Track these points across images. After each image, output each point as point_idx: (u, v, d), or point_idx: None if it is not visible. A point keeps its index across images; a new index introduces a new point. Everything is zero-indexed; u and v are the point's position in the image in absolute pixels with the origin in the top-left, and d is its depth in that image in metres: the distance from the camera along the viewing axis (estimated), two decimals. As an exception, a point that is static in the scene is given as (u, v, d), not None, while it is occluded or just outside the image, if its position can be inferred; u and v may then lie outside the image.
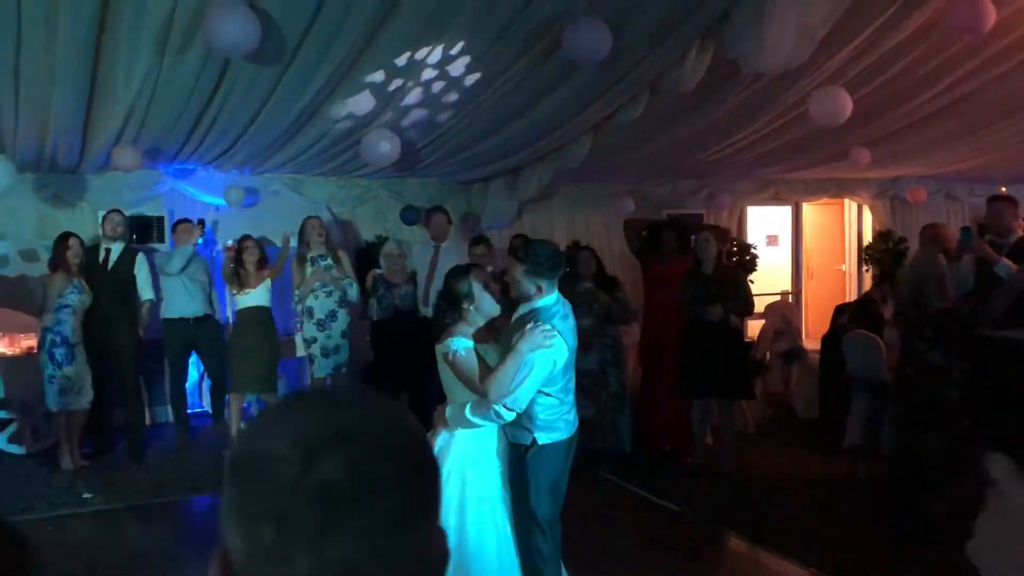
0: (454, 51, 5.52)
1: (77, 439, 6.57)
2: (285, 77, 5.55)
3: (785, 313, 8.90)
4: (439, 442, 3.63)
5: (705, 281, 6.34)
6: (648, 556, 5.02)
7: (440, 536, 0.85)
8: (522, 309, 3.69)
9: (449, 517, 3.51)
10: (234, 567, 0.82)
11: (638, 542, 5.34)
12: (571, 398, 3.78)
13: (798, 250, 11.68)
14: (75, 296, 6.34)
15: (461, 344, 3.57)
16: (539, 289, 3.63)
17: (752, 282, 7.40)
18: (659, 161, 8.68)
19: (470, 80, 5.96)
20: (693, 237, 6.84)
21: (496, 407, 3.47)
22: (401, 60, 5.57)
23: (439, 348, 3.65)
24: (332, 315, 6.93)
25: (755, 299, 7.09)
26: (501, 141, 7.33)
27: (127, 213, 7.29)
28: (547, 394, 3.62)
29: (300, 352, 7.19)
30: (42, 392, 6.67)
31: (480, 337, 3.66)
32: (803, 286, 11.62)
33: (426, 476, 0.85)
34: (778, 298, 10.04)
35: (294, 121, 6.42)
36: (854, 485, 6.12)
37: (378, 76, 5.79)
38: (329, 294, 6.91)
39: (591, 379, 6.49)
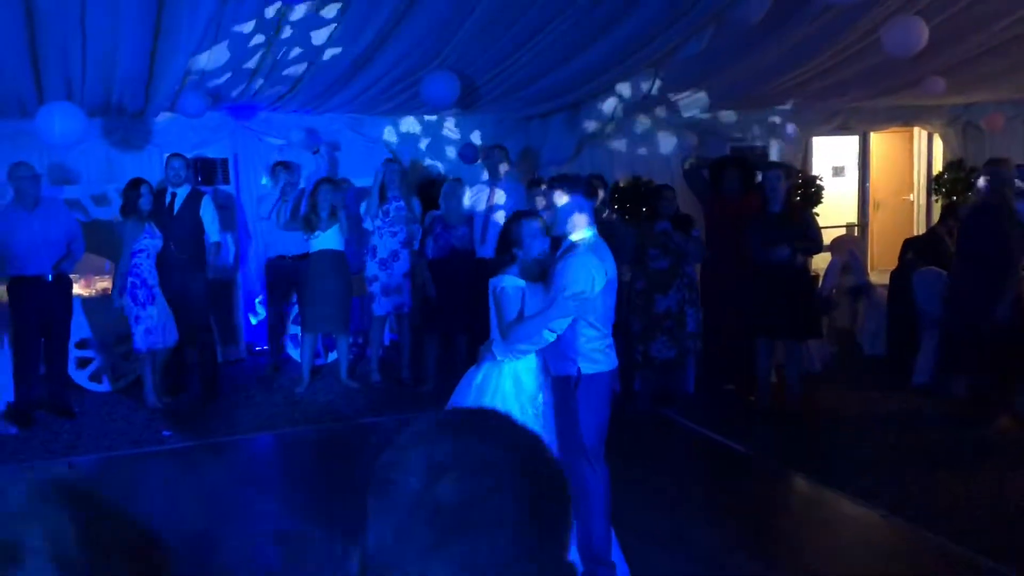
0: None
1: (160, 378, 6.80)
2: (346, 15, 5.51)
3: (852, 247, 8.71)
4: (484, 372, 3.86)
5: (773, 220, 6.21)
6: (712, 498, 5.05)
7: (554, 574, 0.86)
8: (562, 247, 3.82)
9: None
10: (367, 561, 0.88)
11: (702, 483, 5.38)
12: (611, 332, 3.88)
13: (865, 181, 11.36)
14: (148, 240, 6.48)
15: (510, 282, 3.81)
16: (575, 223, 3.77)
17: (817, 215, 7.22)
18: (723, 94, 8.46)
19: (533, 13, 5.84)
20: (760, 174, 6.69)
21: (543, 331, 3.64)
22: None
23: (492, 281, 3.89)
24: (395, 255, 6.99)
25: (821, 232, 6.93)
26: (563, 76, 7.20)
27: (192, 156, 7.39)
28: (588, 323, 3.71)
29: (365, 290, 7.32)
30: (119, 332, 6.92)
31: (530, 276, 3.85)
32: (869, 218, 11.34)
33: (546, 516, 0.86)
34: (843, 231, 9.83)
35: (354, 60, 6.39)
36: (923, 424, 6.06)
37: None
38: (394, 234, 6.97)
39: (673, 319, 6.47)
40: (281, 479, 5.77)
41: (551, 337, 3.67)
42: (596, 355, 3.76)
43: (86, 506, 0.83)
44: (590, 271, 3.66)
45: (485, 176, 7.47)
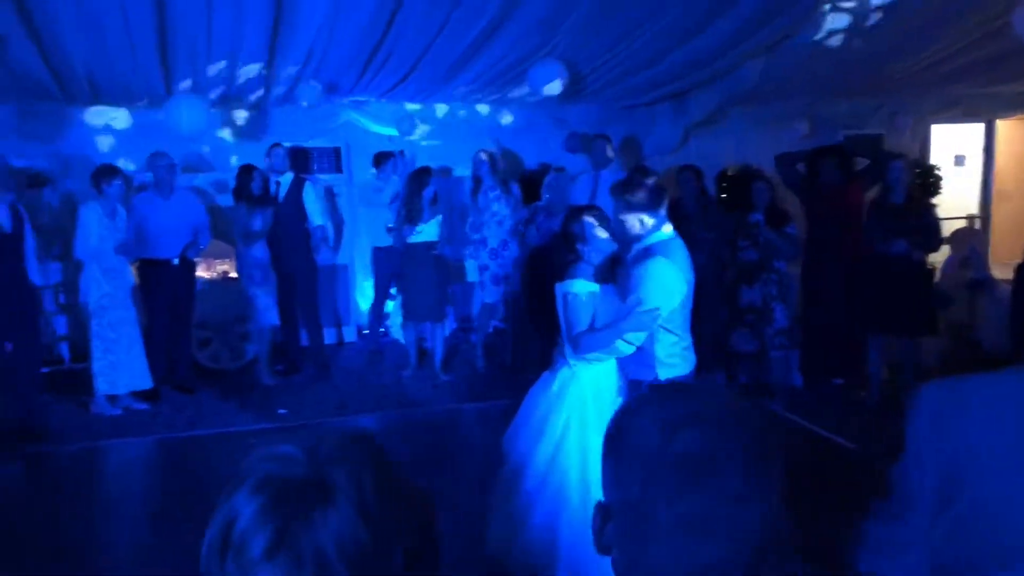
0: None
1: (273, 359, 7.09)
2: (460, 4, 5.60)
3: (972, 240, 8.34)
4: (560, 378, 3.68)
5: (894, 212, 6.00)
6: (818, 495, 4.94)
7: (777, 516, 1.00)
8: (635, 250, 3.63)
9: (571, 457, 3.59)
10: (611, 515, 1.05)
11: (807, 479, 5.27)
12: (689, 335, 3.72)
13: (988, 171, 10.82)
14: (260, 223, 6.76)
15: (582, 287, 3.58)
16: (644, 224, 3.57)
17: (935, 206, 6.93)
18: (836, 80, 8.20)
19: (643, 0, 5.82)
20: (884, 163, 6.44)
21: (618, 341, 3.50)
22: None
23: (559, 286, 3.67)
24: (504, 244, 7.09)
25: (940, 223, 6.65)
26: (671, 64, 7.12)
27: (302, 145, 7.68)
28: (667, 330, 3.58)
29: (471, 278, 7.43)
30: (236, 313, 7.26)
31: (602, 277, 3.65)
32: (991, 210, 10.80)
33: (766, 460, 1.01)
34: (963, 223, 9.41)
35: (464, 50, 6.48)
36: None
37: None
38: (501, 223, 7.06)
39: (756, 313, 6.37)
40: (393, 458, 5.93)
41: (628, 350, 3.54)
42: (674, 360, 3.65)
43: (380, 459, 0.93)
44: (668, 284, 3.50)
45: (589, 165, 7.48)
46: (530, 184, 7.68)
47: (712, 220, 6.82)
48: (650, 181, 3.68)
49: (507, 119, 8.64)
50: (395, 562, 0.86)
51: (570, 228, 3.69)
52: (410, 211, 6.86)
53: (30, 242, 5.93)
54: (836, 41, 6.73)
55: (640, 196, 3.57)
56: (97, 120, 7.58)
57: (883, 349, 6.29)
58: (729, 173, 8.36)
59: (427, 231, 6.91)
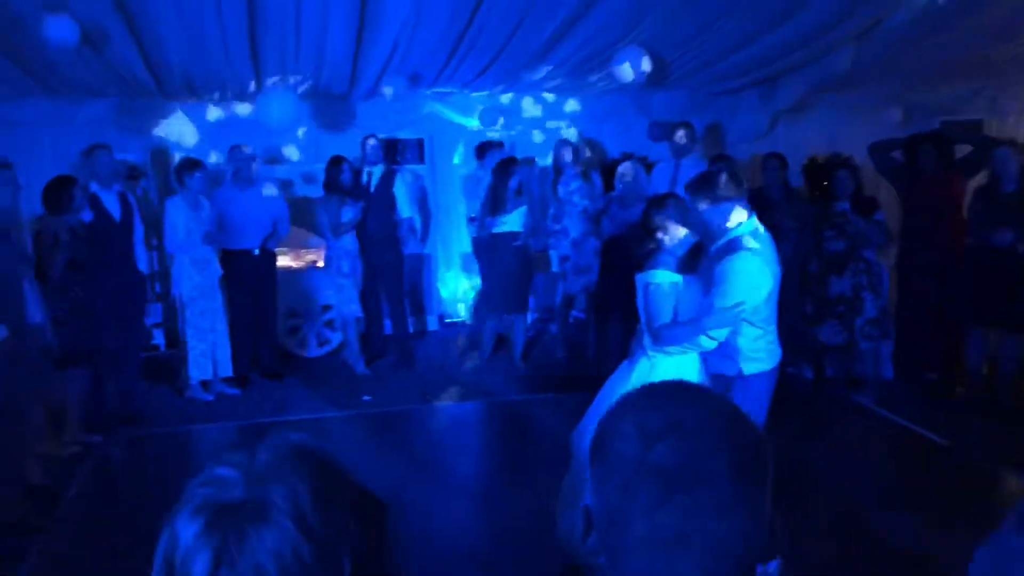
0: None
1: (360, 346, 7.23)
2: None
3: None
4: (638, 369, 3.59)
5: (1002, 201, 5.75)
6: (911, 493, 4.80)
7: (762, 528, 0.96)
8: (719, 243, 3.56)
9: None
10: (593, 521, 1.02)
11: (899, 477, 5.14)
12: (774, 328, 3.66)
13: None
14: (349, 214, 6.89)
15: (664, 277, 3.51)
16: (727, 216, 3.51)
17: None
18: (932, 65, 7.89)
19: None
20: (988, 150, 6.18)
21: (701, 336, 3.42)
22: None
23: (640, 276, 3.61)
24: (585, 235, 7.06)
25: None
26: (758, 51, 6.97)
27: (389, 136, 7.78)
28: (751, 323, 3.52)
29: (553, 268, 7.44)
30: (323, 302, 7.44)
31: (683, 268, 3.58)
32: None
33: (752, 470, 0.96)
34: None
35: (548, 38, 6.47)
36: None
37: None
38: (583, 213, 7.04)
39: (845, 304, 6.20)
40: (475, 446, 6.02)
41: (711, 345, 3.47)
42: (758, 354, 3.61)
43: (320, 470, 0.92)
44: (754, 279, 3.43)
45: (670, 154, 7.39)
46: (612, 174, 7.62)
47: (796, 209, 6.66)
48: (729, 172, 3.63)
49: (590, 108, 8.60)
50: (343, 573, 0.86)
51: (651, 217, 3.63)
52: (494, 201, 6.88)
53: (138, 231, 6.17)
54: (932, 24, 6.47)
55: (721, 188, 3.51)
56: (190, 115, 7.84)
57: (982, 343, 6.06)
58: (819, 162, 8.14)
59: (511, 221, 6.93)
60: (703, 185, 3.60)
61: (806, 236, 6.49)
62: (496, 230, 6.94)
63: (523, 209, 6.92)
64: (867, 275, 6.26)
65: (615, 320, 7.02)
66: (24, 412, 4.74)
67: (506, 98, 8.39)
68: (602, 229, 6.91)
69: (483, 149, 7.73)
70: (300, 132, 7.97)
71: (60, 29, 5.15)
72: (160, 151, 7.88)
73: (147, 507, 4.68)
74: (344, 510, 0.89)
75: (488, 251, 7.11)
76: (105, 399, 5.93)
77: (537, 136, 8.60)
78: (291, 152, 8.19)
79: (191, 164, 6.50)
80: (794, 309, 6.18)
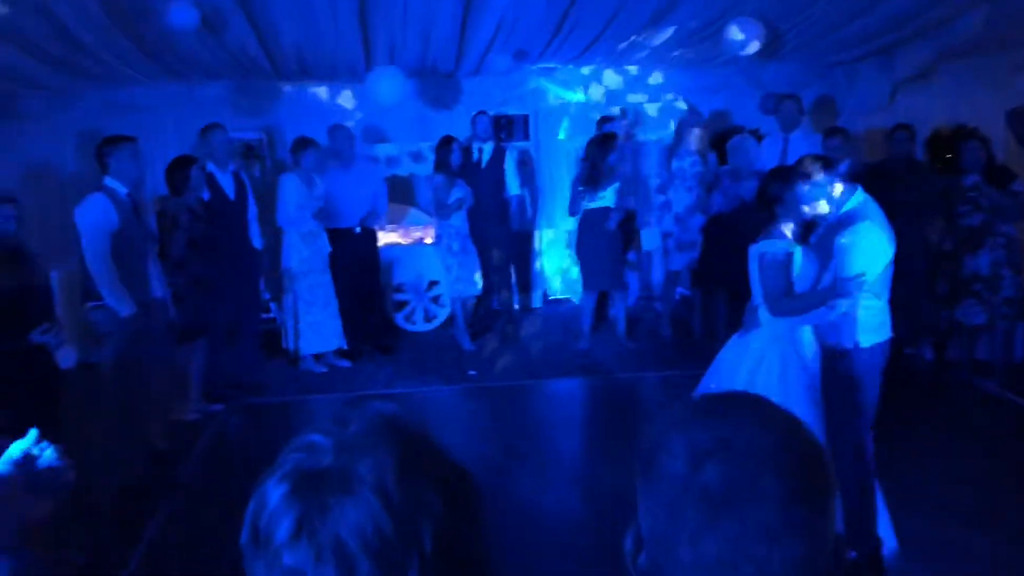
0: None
1: (467, 322, 7.32)
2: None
3: None
4: (752, 342, 3.65)
5: None
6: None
7: (823, 555, 0.89)
8: (834, 215, 3.54)
9: None
10: (643, 540, 0.96)
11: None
12: (888, 300, 3.57)
13: None
14: (459, 193, 6.95)
15: (779, 247, 3.56)
16: (836, 191, 3.50)
17: None
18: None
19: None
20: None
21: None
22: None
23: (755, 247, 3.63)
24: (690, 211, 6.92)
25: None
26: (876, 18, 6.65)
27: (495, 113, 7.78)
28: (869, 294, 3.46)
29: (647, 246, 7.31)
30: (430, 278, 7.54)
31: (798, 239, 3.62)
32: None
33: (810, 493, 0.89)
34: None
35: (656, 10, 6.34)
36: None
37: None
38: (689, 189, 6.90)
39: (983, 282, 5.88)
40: (577, 423, 6.03)
41: (831, 316, 3.46)
42: (874, 325, 3.52)
43: (408, 443, 0.91)
44: (875, 248, 3.41)
45: (778, 127, 7.15)
46: (723, 147, 7.44)
47: (924, 183, 6.34)
48: (843, 145, 3.65)
49: (699, 81, 8.40)
50: (424, 551, 0.84)
51: (769, 189, 3.67)
52: (592, 177, 6.76)
53: (252, 209, 6.39)
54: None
55: (835, 162, 3.58)
56: (302, 94, 8.04)
57: None
58: (944, 134, 7.72)
59: (606, 197, 6.85)
60: (817, 158, 3.61)
61: (935, 211, 6.18)
62: (590, 206, 6.84)
63: (616, 185, 6.81)
64: (1006, 250, 5.91)
65: (721, 298, 6.88)
66: (149, 381, 4.99)
67: (614, 71, 8.28)
68: (711, 204, 6.75)
69: (602, 124, 7.60)
70: (406, 110, 8.06)
71: (181, 13, 5.36)
72: (274, 130, 8.12)
73: (261, 473, 4.91)
74: (430, 485, 0.88)
75: (583, 227, 7.04)
76: (224, 370, 6.20)
77: (648, 110, 8.46)
78: (398, 130, 8.30)
79: (304, 143, 6.67)
80: (920, 287, 5.92)
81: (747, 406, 0.97)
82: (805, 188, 3.53)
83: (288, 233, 6.61)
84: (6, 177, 7.13)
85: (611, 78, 8.32)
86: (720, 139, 7.91)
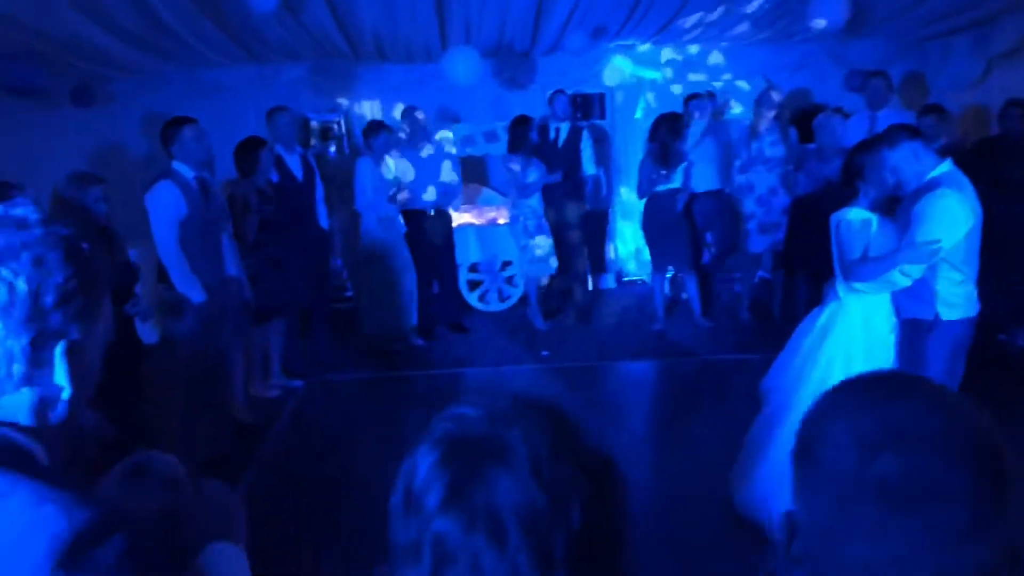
0: None
1: (540, 303, 7.31)
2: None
3: None
4: (828, 312, 3.64)
5: None
6: None
7: (1002, 562, 0.81)
8: (915, 185, 3.46)
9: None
10: (797, 529, 0.91)
11: None
12: (974, 275, 3.49)
13: None
14: (535, 174, 6.92)
15: (855, 215, 3.55)
16: (922, 160, 3.43)
17: None
18: None
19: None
20: None
21: (894, 272, 3.36)
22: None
23: (834, 216, 3.65)
24: (772, 191, 6.75)
25: None
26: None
27: (572, 92, 7.70)
28: (951, 265, 3.39)
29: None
30: (504, 259, 7.55)
31: (880, 208, 3.58)
32: None
33: (995, 485, 0.81)
34: None
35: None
36: None
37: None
38: (770, 170, 6.72)
39: None
40: (650, 405, 5.98)
41: (905, 282, 3.39)
42: (957, 299, 3.45)
43: (557, 423, 0.91)
44: (953, 215, 3.31)
45: (865, 104, 6.90)
46: (806, 126, 7.22)
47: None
48: (933, 120, 3.54)
49: (781, 58, 8.17)
50: (571, 528, 0.84)
51: (853, 161, 3.65)
52: (662, 157, 6.64)
53: (319, 190, 6.47)
54: None
55: (923, 135, 3.51)
56: (378, 75, 8.09)
57: None
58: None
59: (675, 178, 6.71)
60: (903, 127, 3.59)
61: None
62: (660, 188, 6.70)
63: (684, 166, 6.67)
64: None
65: (803, 281, 6.71)
66: (226, 359, 5.11)
67: (692, 49, 8.12)
68: (796, 184, 6.57)
69: (688, 101, 7.41)
70: (481, 90, 8.04)
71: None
72: (351, 111, 8.21)
73: (339, 447, 5.01)
74: (578, 466, 0.88)
75: (651, 209, 6.92)
76: (302, 348, 6.32)
77: (724, 88, 8.28)
78: (472, 111, 8.30)
79: (376, 127, 6.72)
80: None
81: (910, 388, 0.90)
82: (889, 158, 3.47)
83: (365, 216, 6.68)
84: (91, 159, 7.40)
85: (689, 55, 8.16)
86: (802, 118, 7.70)
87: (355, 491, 4.27)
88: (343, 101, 8.19)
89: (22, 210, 1.00)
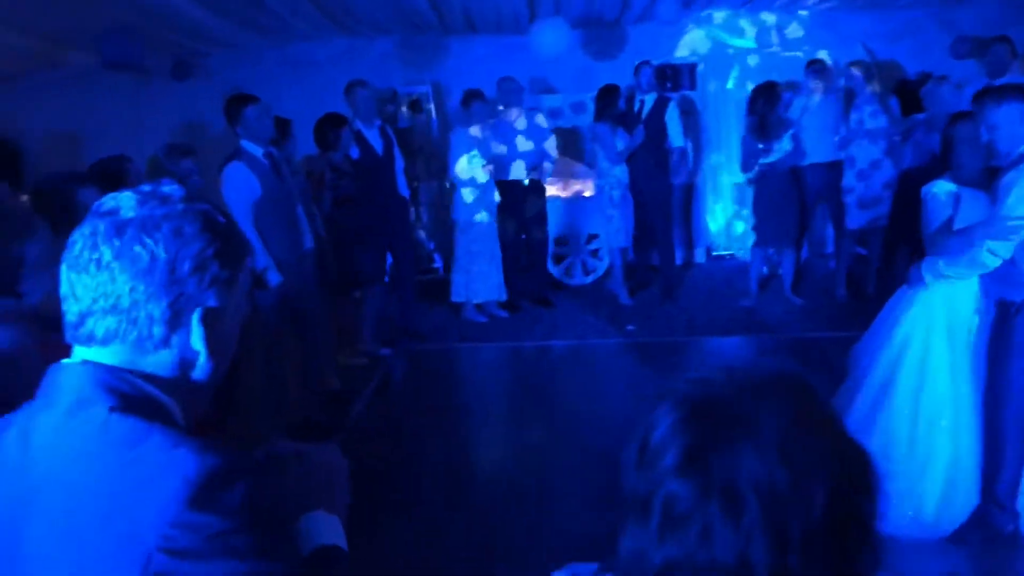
0: None
1: (625, 276, 7.25)
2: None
3: None
4: (911, 295, 3.52)
5: None
6: None
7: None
8: (1011, 156, 3.20)
9: (908, 379, 3.42)
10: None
11: None
12: None
13: None
14: (621, 145, 6.82)
15: (941, 187, 3.41)
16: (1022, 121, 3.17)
17: None
18: None
19: None
20: None
21: (980, 252, 3.14)
22: None
23: (923, 189, 3.52)
24: (875, 164, 6.48)
25: None
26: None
27: (660, 62, 7.55)
28: None
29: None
30: (589, 231, 7.49)
31: (971, 182, 3.39)
32: None
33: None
34: None
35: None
36: None
37: None
38: (874, 141, 6.44)
39: None
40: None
41: (993, 263, 3.16)
42: None
43: (807, 398, 0.89)
44: None
45: (981, 73, 6.54)
46: (908, 96, 6.90)
47: None
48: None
49: (883, 25, 7.82)
50: (812, 514, 0.80)
51: (947, 132, 3.53)
52: (761, 129, 6.46)
53: (399, 161, 6.50)
54: None
55: (1010, 102, 3.19)
56: (467, 48, 8.09)
57: None
58: None
59: (780, 150, 6.50)
60: (1016, 88, 3.30)
61: None
62: (765, 160, 6.52)
63: (790, 134, 6.43)
64: None
65: (902, 258, 6.43)
66: (310, 328, 5.21)
67: (786, 16, 7.85)
68: (902, 157, 6.28)
69: (810, 67, 7.09)
70: (569, 61, 7.96)
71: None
72: (440, 83, 8.24)
73: (424, 414, 5.08)
74: (827, 448, 0.85)
75: (760, 182, 6.73)
76: (390, 317, 6.41)
77: (825, 57, 7.97)
78: (560, 81, 8.22)
79: (473, 95, 6.72)
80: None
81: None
82: (991, 115, 3.21)
83: (459, 187, 6.71)
84: (185, 133, 7.64)
85: (783, 23, 7.89)
86: (909, 87, 7.36)
87: (439, 459, 4.33)
88: (431, 74, 8.22)
89: (168, 188, 1.09)
